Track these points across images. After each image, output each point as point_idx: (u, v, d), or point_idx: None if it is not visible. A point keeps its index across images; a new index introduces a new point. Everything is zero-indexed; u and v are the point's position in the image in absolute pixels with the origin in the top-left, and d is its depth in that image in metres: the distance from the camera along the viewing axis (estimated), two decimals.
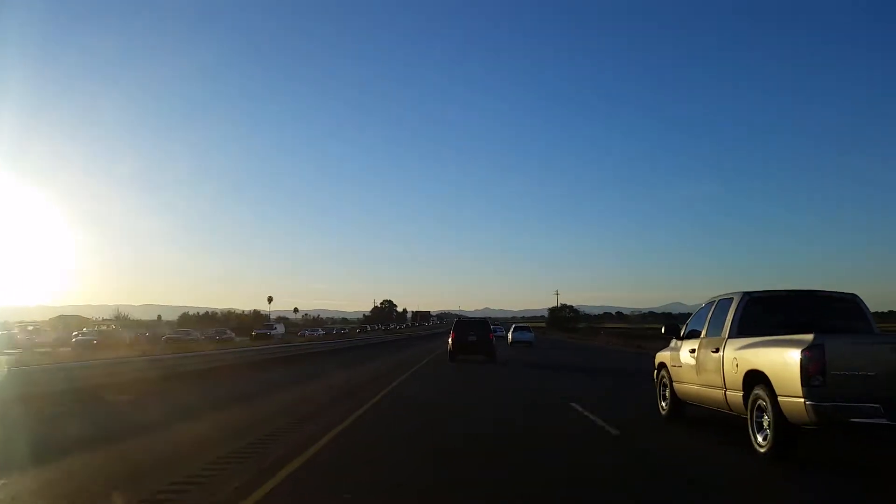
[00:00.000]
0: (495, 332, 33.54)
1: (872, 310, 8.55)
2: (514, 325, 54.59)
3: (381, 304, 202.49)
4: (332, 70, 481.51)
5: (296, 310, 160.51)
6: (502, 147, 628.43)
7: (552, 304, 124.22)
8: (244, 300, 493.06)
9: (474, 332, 27.79)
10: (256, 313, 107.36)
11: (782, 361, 6.52)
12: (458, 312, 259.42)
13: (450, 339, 27.95)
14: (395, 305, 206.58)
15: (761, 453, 6.89)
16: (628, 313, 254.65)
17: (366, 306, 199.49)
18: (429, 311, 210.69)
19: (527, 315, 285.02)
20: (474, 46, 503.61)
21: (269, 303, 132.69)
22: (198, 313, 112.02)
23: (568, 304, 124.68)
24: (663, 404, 10.19)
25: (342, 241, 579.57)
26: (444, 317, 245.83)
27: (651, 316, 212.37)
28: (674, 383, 9.73)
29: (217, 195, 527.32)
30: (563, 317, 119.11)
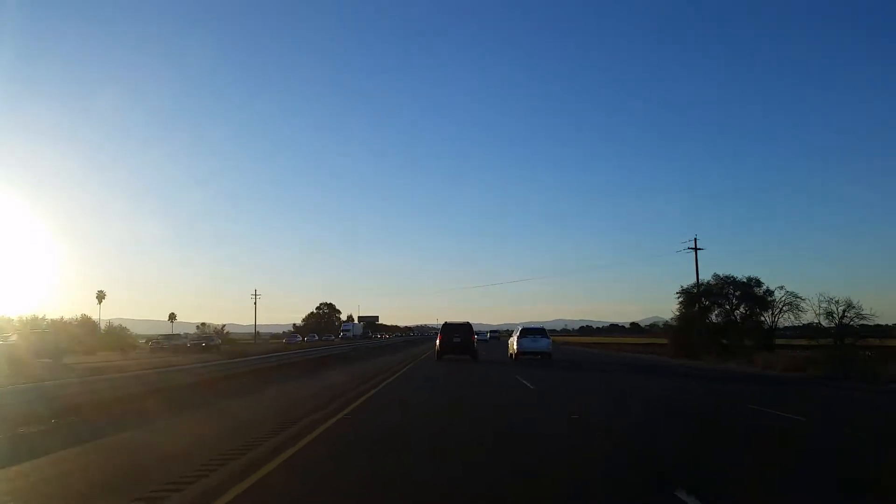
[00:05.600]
0: (478, 335, 35.82)
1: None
2: (520, 328, 33.47)
3: (319, 307, 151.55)
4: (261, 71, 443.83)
5: (171, 316, 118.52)
6: (488, 149, 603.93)
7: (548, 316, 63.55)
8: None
9: (459, 334, 30.50)
10: (86, 319, 75.16)
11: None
12: (436, 326, 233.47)
13: (437, 341, 31.11)
14: (339, 311, 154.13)
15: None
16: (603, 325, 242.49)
17: (304, 312, 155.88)
18: (376, 316, 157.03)
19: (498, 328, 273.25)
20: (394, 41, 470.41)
21: (100, 302, 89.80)
22: None
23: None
24: None
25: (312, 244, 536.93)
26: (419, 330, 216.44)
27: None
28: None
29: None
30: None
